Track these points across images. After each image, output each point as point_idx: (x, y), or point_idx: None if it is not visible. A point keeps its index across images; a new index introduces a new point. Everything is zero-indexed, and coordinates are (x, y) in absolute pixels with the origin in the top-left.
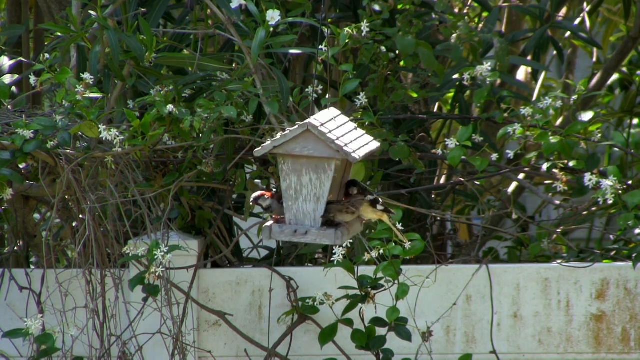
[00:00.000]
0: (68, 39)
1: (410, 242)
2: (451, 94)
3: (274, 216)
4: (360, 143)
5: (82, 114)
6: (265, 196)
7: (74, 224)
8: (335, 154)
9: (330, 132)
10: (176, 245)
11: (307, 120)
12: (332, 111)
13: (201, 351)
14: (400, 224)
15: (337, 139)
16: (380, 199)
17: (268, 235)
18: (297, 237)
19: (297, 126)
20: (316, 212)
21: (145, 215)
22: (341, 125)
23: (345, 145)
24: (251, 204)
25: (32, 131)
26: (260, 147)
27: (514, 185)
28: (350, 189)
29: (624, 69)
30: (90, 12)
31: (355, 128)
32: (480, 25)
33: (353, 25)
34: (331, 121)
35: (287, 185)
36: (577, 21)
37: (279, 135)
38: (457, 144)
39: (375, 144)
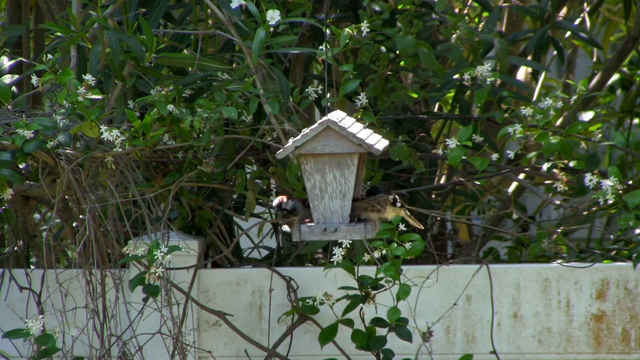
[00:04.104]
0: (68, 39)
1: (411, 242)
2: (451, 94)
3: (306, 220)
4: (374, 139)
5: (82, 114)
6: (285, 200)
7: (74, 224)
8: (357, 148)
9: (349, 127)
10: (176, 246)
11: (326, 117)
12: (338, 113)
13: (201, 351)
14: (403, 224)
15: (357, 133)
16: (397, 197)
17: (298, 237)
18: (327, 236)
19: (317, 124)
20: (343, 209)
21: (145, 215)
22: (352, 124)
23: (365, 138)
24: (274, 210)
25: (32, 131)
26: (282, 149)
27: (514, 185)
28: (383, 197)
29: (625, 69)
30: (91, 12)
31: (365, 127)
32: (481, 26)
33: (353, 26)
34: (343, 120)
35: (312, 184)
36: (577, 21)
37: (299, 136)
38: (458, 144)
39: (384, 142)
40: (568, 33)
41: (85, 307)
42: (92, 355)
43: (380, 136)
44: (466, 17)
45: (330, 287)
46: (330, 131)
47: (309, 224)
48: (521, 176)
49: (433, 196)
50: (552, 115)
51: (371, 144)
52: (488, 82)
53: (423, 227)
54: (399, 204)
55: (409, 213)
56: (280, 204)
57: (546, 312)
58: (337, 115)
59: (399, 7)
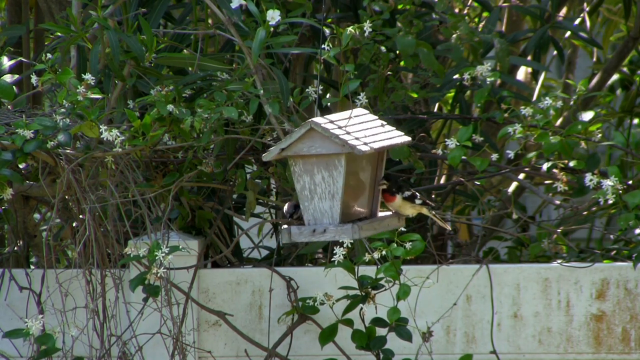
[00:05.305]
0: (68, 39)
1: (411, 242)
2: (451, 94)
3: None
4: (379, 137)
5: (82, 114)
6: (286, 207)
7: (74, 224)
8: (342, 148)
9: (337, 127)
10: (177, 247)
11: (310, 119)
12: (358, 111)
13: (201, 351)
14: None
15: (345, 133)
16: (417, 194)
17: (287, 238)
18: (316, 237)
19: (301, 126)
20: (333, 209)
21: (145, 215)
22: (363, 122)
23: (354, 138)
24: (287, 215)
25: (32, 131)
26: (268, 152)
27: (514, 185)
28: (381, 181)
29: (625, 69)
30: (91, 12)
31: (382, 125)
32: (481, 26)
33: (355, 26)
34: (348, 119)
35: (301, 186)
36: (577, 21)
37: (284, 138)
38: (457, 144)
39: (403, 138)
40: (568, 33)
41: (85, 307)
42: (92, 355)
43: (400, 134)
44: (466, 17)
45: (330, 287)
46: (314, 132)
47: (298, 226)
48: (521, 176)
49: (433, 196)
50: (552, 115)
51: (356, 144)
52: (488, 82)
53: (449, 228)
54: (418, 202)
55: (433, 212)
56: (287, 211)
57: (546, 312)
58: (342, 115)
59: (399, 7)
